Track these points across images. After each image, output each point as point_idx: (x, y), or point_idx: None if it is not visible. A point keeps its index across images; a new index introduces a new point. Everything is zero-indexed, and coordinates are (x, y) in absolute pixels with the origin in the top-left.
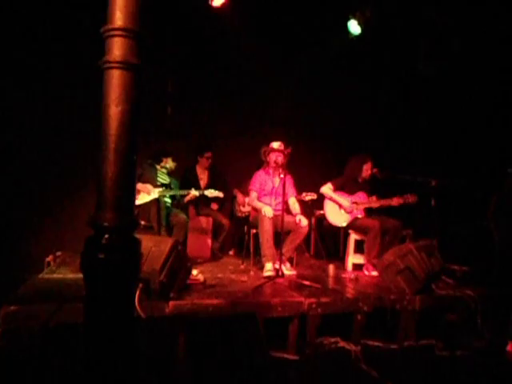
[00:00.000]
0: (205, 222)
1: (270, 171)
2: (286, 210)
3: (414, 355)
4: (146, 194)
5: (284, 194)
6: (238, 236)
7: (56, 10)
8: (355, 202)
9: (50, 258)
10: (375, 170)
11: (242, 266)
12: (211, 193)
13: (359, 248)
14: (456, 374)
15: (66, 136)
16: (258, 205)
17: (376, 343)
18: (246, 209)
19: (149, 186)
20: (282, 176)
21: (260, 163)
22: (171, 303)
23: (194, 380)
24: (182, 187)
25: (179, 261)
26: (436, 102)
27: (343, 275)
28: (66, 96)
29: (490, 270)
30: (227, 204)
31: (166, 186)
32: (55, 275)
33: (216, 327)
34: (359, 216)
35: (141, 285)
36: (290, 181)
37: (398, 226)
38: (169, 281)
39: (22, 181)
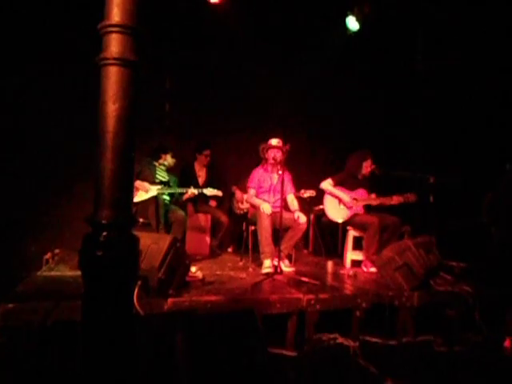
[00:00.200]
0: (203, 219)
1: (269, 168)
2: (285, 206)
3: (412, 351)
4: (144, 192)
5: (282, 191)
6: (237, 233)
7: (53, 6)
8: (355, 199)
9: (48, 256)
10: (374, 167)
11: (241, 263)
12: (210, 191)
13: (358, 244)
14: (454, 370)
15: (64, 134)
16: (257, 202)
17: (374, 339)
18: (245, 206)
19: (147, 184)
20: (280, 173)
21: (258, 160)
22: (170, 300)
23: (194, 377)
24: (180, 184)
25: (178, 258)
26: (434, 99)
27: (342, 272)
28: (64, 94)
29: (487, 266)
30: (226, 201)
31: (165, 184)
32: (53, 273)
33: (215, 324)
34: (358, 212)
35: (139, 282)
36: (288, 178)
37: (397, 223)
38: (167, 278)
39: (20, 179)
